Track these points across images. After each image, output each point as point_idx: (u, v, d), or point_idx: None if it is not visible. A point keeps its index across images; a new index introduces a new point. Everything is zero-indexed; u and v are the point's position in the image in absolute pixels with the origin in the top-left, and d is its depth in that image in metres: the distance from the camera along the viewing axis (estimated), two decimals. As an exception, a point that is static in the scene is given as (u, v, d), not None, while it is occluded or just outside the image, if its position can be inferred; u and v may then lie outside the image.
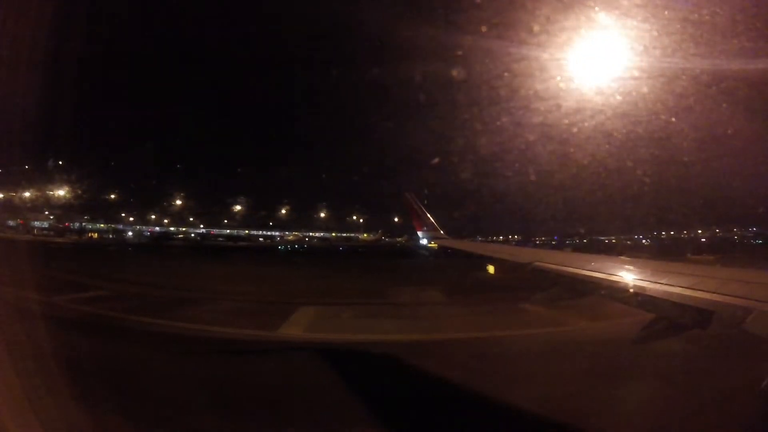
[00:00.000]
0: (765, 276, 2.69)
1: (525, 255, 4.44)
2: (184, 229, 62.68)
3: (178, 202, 59.14)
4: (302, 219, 66.87)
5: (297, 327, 8.46)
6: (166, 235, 58.60)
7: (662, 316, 2.87)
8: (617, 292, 3.19)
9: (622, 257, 5.43)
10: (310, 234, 68.57)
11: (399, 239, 64.77)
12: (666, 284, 2.87)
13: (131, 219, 60.89)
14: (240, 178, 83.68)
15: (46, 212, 47.65)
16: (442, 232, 7.40)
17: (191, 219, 63.42)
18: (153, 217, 61.87)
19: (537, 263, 3.97)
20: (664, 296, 2.79)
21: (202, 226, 64.54)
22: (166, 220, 62.27)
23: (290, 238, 66.10)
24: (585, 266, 3.56)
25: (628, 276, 3.25)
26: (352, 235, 69.99)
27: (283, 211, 65.65)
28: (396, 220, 65.75)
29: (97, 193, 53.07)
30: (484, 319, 9.52)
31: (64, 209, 47.01)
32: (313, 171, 75.95)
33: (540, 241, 44.53)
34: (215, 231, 64.49)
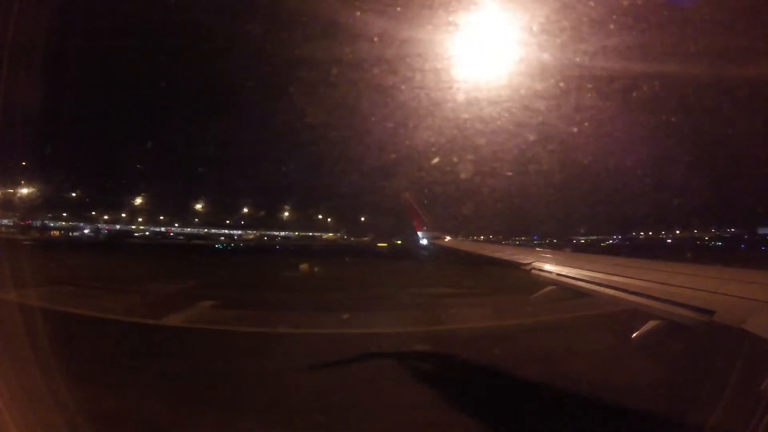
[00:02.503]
0: (765, 276, 2.77)
1: (525, 256, 4.52)
2: (142, 227, 61.59)
3: (139, 200, 58.00)
4: (270, 218, 66.42)
5: (10, 292, 10.03)
6: (124, 233, 56.83)
7: (661, 317, 2.96)
8: (616, 292, 3.26)
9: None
10: (273, 233, 67.61)
11: (365, 239, 64.82)
12: (666, 284, 2.95)
13: (105, 217, 59.57)
14: (208, 179, 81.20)
15: (18, 211, 45.05)
16: (448, 237, 7.41)
17: (161, 218, 63.01)
18: (123, 215, 60.54)
19: (536, 263, 4.06)
20: (664, 296, 2.87)
21: (177, 224, 64.06)
22: (140, 219, 61.51)
23: (249, 237, 65.15)
24: (584, 268, 3.65)
25: (628, 276, 3.34)
26: (316, 234, 69.46)
27: (246, 210, 64.60)
28: (362, 220, 66.12)
29: (62, 190, 52.17)
30: (154, 309, 10.75)
31: (27, 207, 45.11)
32: (282, 171, 74.21)
33: (515, 240, 45.86)
34: (173, 230, 62.92)
